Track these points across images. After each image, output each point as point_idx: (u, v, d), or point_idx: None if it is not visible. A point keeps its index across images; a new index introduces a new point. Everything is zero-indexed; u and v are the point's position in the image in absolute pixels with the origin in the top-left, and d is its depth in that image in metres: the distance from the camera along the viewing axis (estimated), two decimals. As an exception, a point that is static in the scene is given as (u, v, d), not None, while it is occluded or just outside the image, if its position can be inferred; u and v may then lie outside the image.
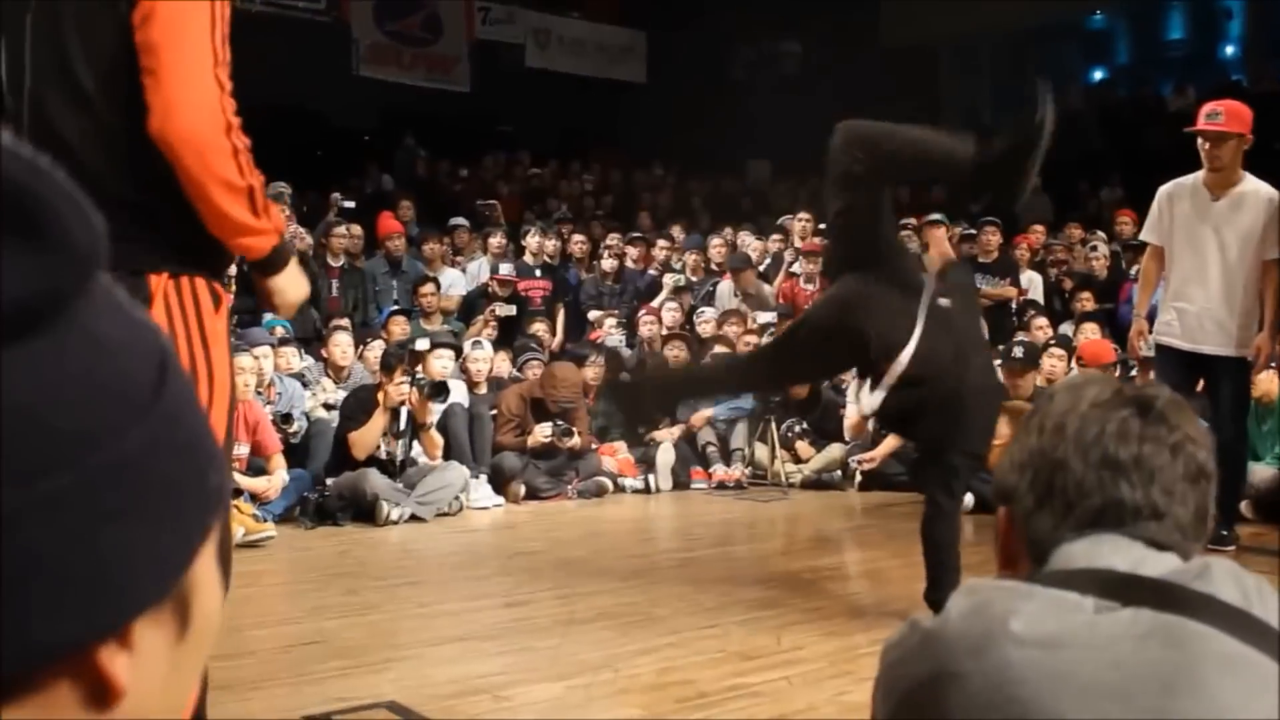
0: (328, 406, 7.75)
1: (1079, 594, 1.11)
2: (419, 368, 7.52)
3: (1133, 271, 10.29)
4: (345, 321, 8.94)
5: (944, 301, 4.45)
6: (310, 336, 9.02)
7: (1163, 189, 5.89)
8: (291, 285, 2.27)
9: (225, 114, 2.08)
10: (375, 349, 8.38)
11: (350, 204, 11.73)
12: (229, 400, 2.18)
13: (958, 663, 1.11)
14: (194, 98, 2.05)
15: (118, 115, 2.07)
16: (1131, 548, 1.16)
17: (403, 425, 7.17)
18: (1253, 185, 5.60)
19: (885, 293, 4.44)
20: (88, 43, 2.08)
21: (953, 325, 4.42)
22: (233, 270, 2.58)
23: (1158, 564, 1.15)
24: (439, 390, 7.30)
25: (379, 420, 7.01)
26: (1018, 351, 7.52)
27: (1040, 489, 1.21)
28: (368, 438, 6.99)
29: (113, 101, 2.08)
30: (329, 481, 6.96)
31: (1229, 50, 19.98)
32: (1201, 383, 5.91)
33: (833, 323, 4.57)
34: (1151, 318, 6.02)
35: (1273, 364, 6.99)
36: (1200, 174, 5.68)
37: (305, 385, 7.80)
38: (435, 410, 7.39)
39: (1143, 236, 6.17)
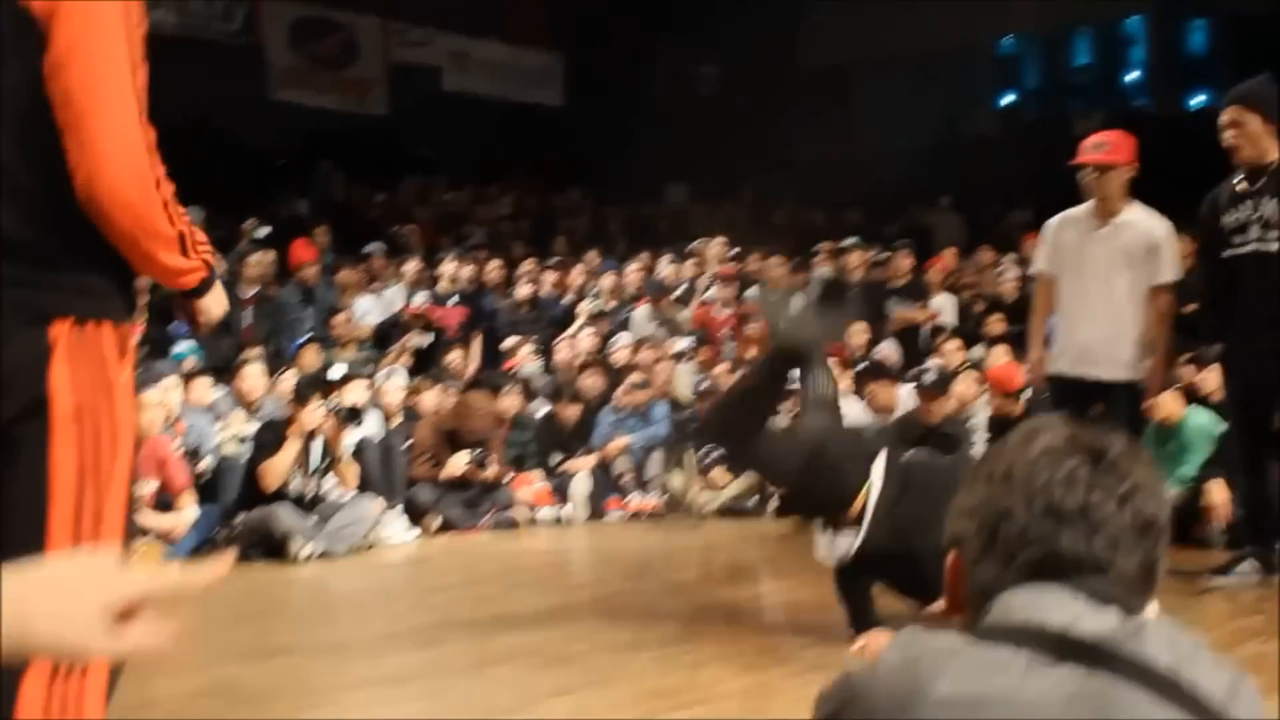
0: (239, 440, 7.64)
1: (1013, 649, 1.10)
2: (334, 395, 7.45)
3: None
4: (257, 352, 8.82)
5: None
6: (222, 366, 8.88)
7: (1051, 220, 6.03)
8: (216, 304, 2.29)
9: (151, 167, 2.03)
10: (288, 379, 8.29)
11: (264, 232, 11.58)
12: (131, 451, 2.14)
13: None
14: (122, 155, 1.98)
15: (19, 157, 2.00)
16: (1072, 602, 1.14)
17: (316, 458, 7.09)
18: (1138, 213, 5.72)
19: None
20: None
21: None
22: (143, 299, 2.52)
23: (1095, 621, 1.13)
24: (353, 415, 7.23)
25: (291, 448, 6.92)
26: (929, 377, 7.63)
27: (985, 536, 1.20)
28: (279, 465, 6.89)
29: (13, 144, 1.99)
30: (239, 518, 6.86)
31: (1133, 75, 20.48)
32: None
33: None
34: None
35: (1175, 385, 7.17)
36: (1088, 203, 5.80)
37: (217, 418, 7.69)
38: (348, 438, 7.32)
39: (1034, 268, 6.29)
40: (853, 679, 1.20)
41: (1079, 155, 5.76)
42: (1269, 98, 5.22)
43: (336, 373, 7.80)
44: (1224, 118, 5.27)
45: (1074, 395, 5.76)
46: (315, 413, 6.95)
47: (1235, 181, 5.36)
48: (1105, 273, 5.68)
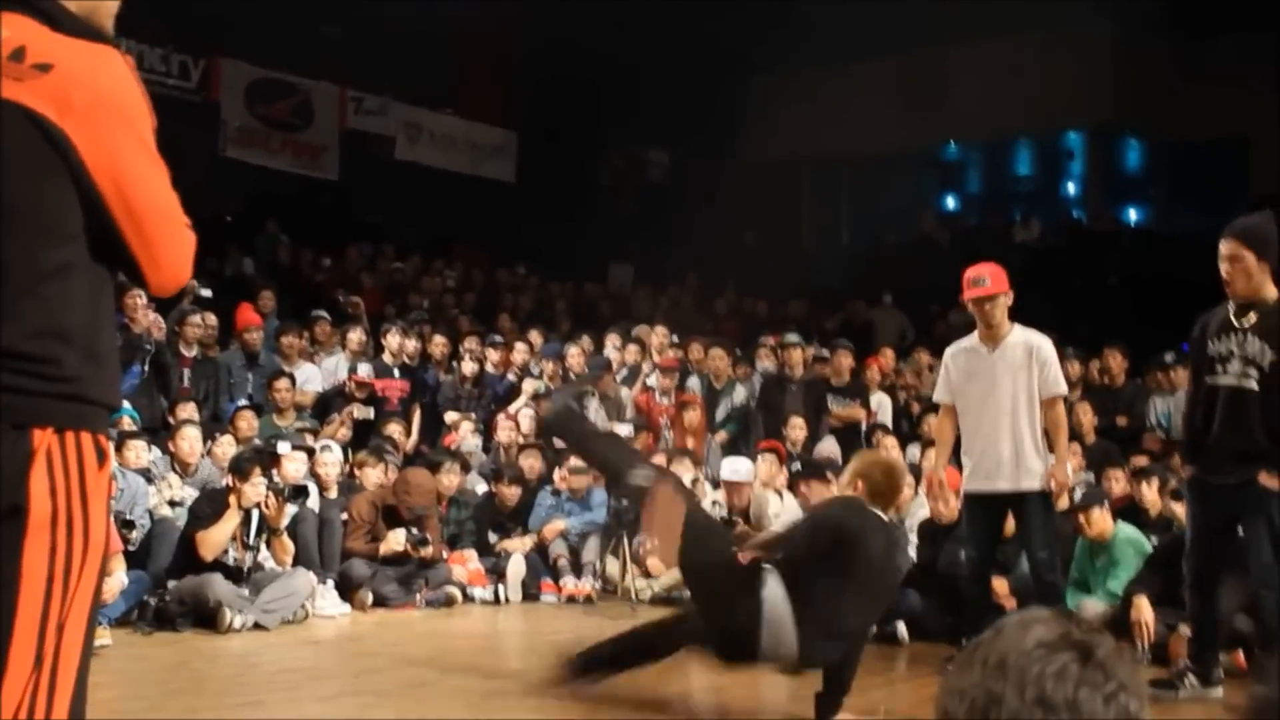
0: (173, 504, 7.55)
1: None
2: (275, 470, 7.40)
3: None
4: (193, 413, 8.73)
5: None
6: (158, 427, 8.79)
7: (946, 351, 6.57)
8: None
9: (192, 245, 2.21)
10: (224, 444, 8.23)
11: (207, 292, 11.48)
12: (101, 556, 2.14)
13: None
14: (185, 261, 2.20)
15: (17, 269, 2.01)
16: None
17: (254, 530, 7.04)
18: (1021, 334, 6.22)
19: None
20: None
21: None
22: None
23: None
24: (299, 493, 7.20)
25: (231, 520, 6.86)
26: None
27: (975, 718, 1.25)
28: (217, 537, 6.83)
29: (15, 250, 2.02)
30: (170, 585, 6.77)
31: (1071, 188, 21.03)
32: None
33: None
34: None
35: (1104, 502, 7.33)
36: (975, 332, 6.30)
37: (150, 480, 7.59)
38: (288, 514, 7.28)
39: (935, 398, 6.75)
40: None
41: (965, 292, 6.20)
42: (1267, 238, 5.34)
43: (284, 447, 7.75)
44: (1223, 249, 5.40)
45: (988, 509, 6.26)
46: (257, 488, 6.90)
47: (1228, 310, 5.49)
48: (1000, 392, 6.14)
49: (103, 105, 2.05)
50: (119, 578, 6.39)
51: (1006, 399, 6.11)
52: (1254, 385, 5.36)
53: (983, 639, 1.32)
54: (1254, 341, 5.38)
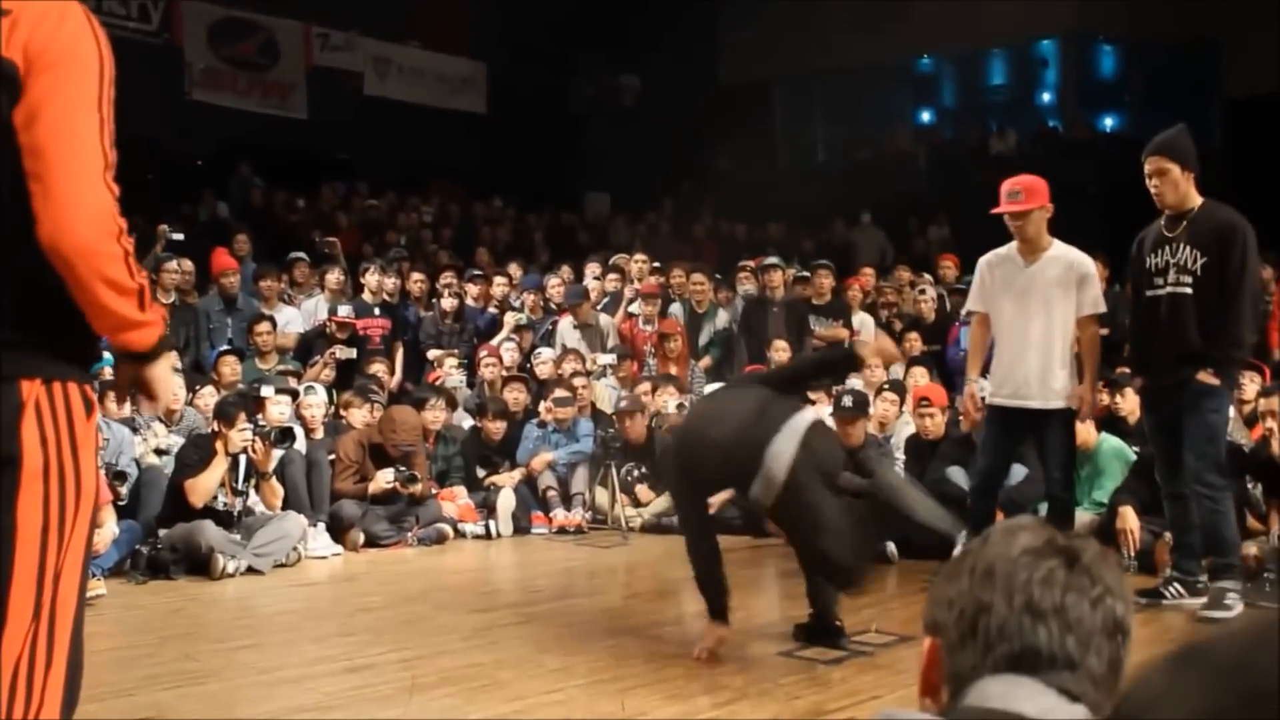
0: (159, 452, 7.54)
1: None
2: (260, 414, 7.39)
3: (963, 314, 10.72)
4: (175, 361, 8.70)
5: None
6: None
7: (982, 259, 6.37)
8: (166, 378, 2.27)
9: (115, 220, 2.05)
10: (208, 391, 8.21)
11: (179, 236, 11.38)
12: (93, 506, 2.15)
13: None
14: (87, 207, 2.01)
15: None
16: (1045, 694, 1.21)
17: (243, 475, 7.04)
18: (1061, 250, 6.07)
19: None
20: None
21: None
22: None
23: (1067, 715, 1.20)
24: (285, 436, 7.19)
25: (219, 466, 6.86)
26: (847, 400, 7.72)
27: (965, 626, 1.27)
28: (206, 484, 6.84)
29: None
30: (161, 533, 6.78)
31: (1046, 97, 20.93)
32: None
33: None
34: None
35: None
36: (1013, 243, 6.14)
37: (135, 430, 7.57)
38: (275, 457, 7.28)
39: (968, 306, 6.62)
40: None
41: (998, 205, 6.08)
42: (1187, 148, 5.60)
43: (268, 390, 7.73)
44: (1148, 167, 5.62)
45: (1010, 424, 6.14)
46: (243, 433, 6.89)
47: (1161, 224, 5.69)
48: (1035, 307, 6.02)
49: (52, 53, 2.02)
50: (110, 528, 6.40)
51: (1040, 314, 5.99)
52: (1188, 290, 5.55)
53: (969, 548, 1.34)
54: (1185, 249, 5.55)
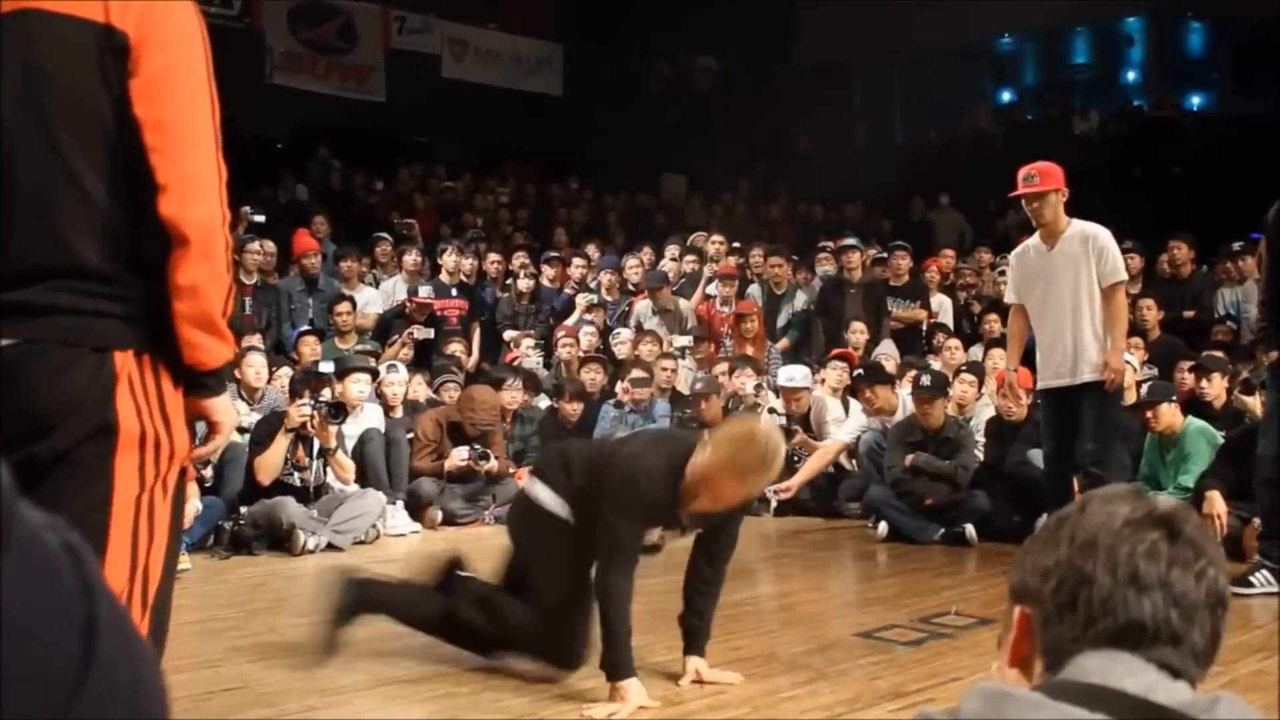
0: (242, 430, 7.65)
1: (1089, 711, 1.14)
2: (325, 390, 7.45)
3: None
4: (258, 341, 8.84)
5: None
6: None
7: (1012, 253, 6.68)
8: (228, 407, 2.24)
9: (224, 204, 2.08)
10: (286, 374, 8.32)
11: (260, 218, 11.56)
12: (181, 479, 2.18)
13: None
14: (206, 184, 2.04)
15: (100, 187, 2.02)
16: (1146, 670, 1.19)
17: (315, 450, 7.12)
18: (1078, 227, 6.25)
19: None
20: (72, 108, 2.01)
21: None
22: None
23: (1170, 693, 1.17)
24: (336, 411, 7.20)
25: (280, 444, 6.95)
26: (925, 380, 7.66)
27: (1063, 598, 1.24)
28: (270, 460, 6.93)
29: (96, 172, 2.02)
30: (243, 509, 6.89)
31: (1131, 75, 20.52)
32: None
33: None
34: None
35: (1173, 397, 7.24)
36: (1039, 231, 6.34)
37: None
38: (346, 431, 7.33)
39: (1005, 299, 6.75)
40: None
41: (1015, 189, 6.26)
42: None
43: (326, 367, 7.81)
44: None
45: (1061, 405, 6.32)
46: (301, 409, 6.97)
47: None
48: (1059, 288, 6.21)
49: (166, 31, 2.04)
50: (194, 504, 6.50)
51: (1066, 294, 6.18)
52: None
53: (1065, 515, 1.31)
54: None
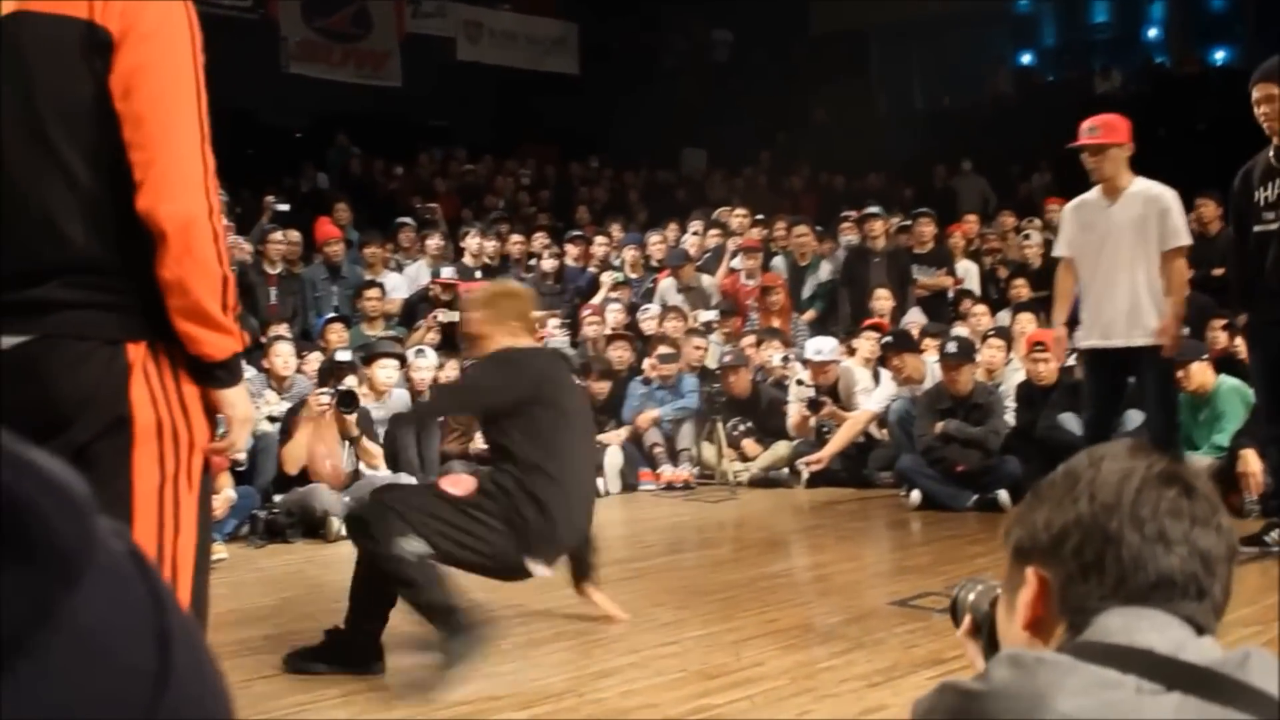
0: (272, 419, 7.68)
1: (1120, 672, 1.13)
2: (346, 379, 7.45)
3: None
4: (285, 330, 8.87)
5: None
6: (251, 346, 8.92)
7: (1067, 205, 6.36)
8: (243, 399, 2.19)
9: (210, 196, 2.05)
10: (314, 360, 8.34)
11: (285, 207, 11.61)
12: (202, 464, 2.17)
13: None
14: (184, 178, 2.01)
15: (94, 183, 2.02)
16: (1170, 625, 1.19)
17: (343, 436, 7.14)
18: (1143, 185, 5.98)
19: None
20: (62, 106, 2.02)
21: None
22: None
23: (1199, 649, 1.17)
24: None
25: (303, 434, 6.97)
26: (951, 347, 7.61)
27: (1088, 557, 1.23)
28: (294, 451, 6.96)
29: (89, 168, 2.02)
30: (277, 498, 6.92)
31: (1152, 33, 20.30)
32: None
33: None
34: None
35: (1204, 356, 7.19)
36: (1099, 185, 6.07)
37: (250, 398, 7.70)
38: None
39: (1055, 252, 6.53)
40: (961, 691, 1.21)
41: (1076, 140, 6.00)
42: None
43: (344, 355, 7.81)
44: (1256, 94, 5.40)
45: (1106, 366, 6.06)
46: (319, 399, 6.98)
47: (1271, 155, 5.42)
48: (1116, 245, 5.94)
49: (146, 22, 2.02)
50: (227, 494, 6.54)
51: (1124, 252, 5.92)
52: None
53: (1074, 472, 1.29)
54: None
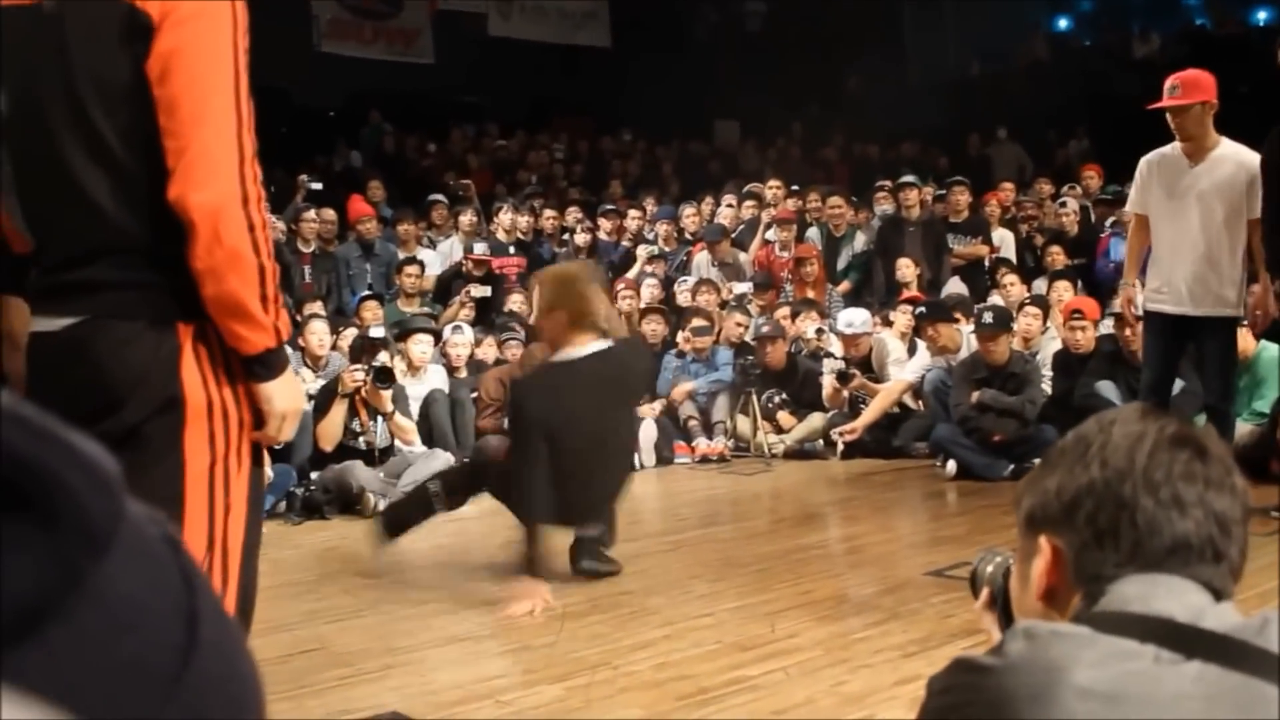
0: (309, 397, 7.73)
1: (1138, 641, 1.12)
2: (379, 355, 7.48)
3: (1107, 225, 10.36)
4: (320, 308, 8.91)
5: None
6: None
7: (1143, 159, 5.99)
8: (282, 393, 2.12)
9: (245, 184, 2.00)
10: (349, 337, 8.38)
11: (318, 185, 11.65)
12: (250, 443, 2.18)
13: (1018, 710, 1.11)
14: (215, 166, 1.97)
15: (138, 164, 2.01)
16: (1188, 591, 1.18)
17: (377, 412, 7.18)
18: (1230, 149, 5.70)
19: None
20: (103, 88, 2.00)
21: None
22: None
23: (1218, 616, 1.16)
24: (382, 375, 7.19)
25: (338, 410, 7.02)
26: (987, 317, 7.55)
27: (1103, 524, 1.22)
28: (329, 428, 7.02)
29: (132, 150, 2.01)
30: (313, 475, 6.97)
31: (1192, -7, 20.00)
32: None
33: None
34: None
35: (1243, 322, 7.09)
36: (1178, 143, 5.78)
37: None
38: (386, 396, 7.35)
39: (1128, 208, 6.31)
40: (977, 666, 1.20)
41: (1159, 101, 5.73)
42: None
43: (377, 332, 7.84)
44: None
45: (1171, 331, 5.83)
46: (354, 374, 7.01)
47: None
48: (1199, 209, 5.68)
49: (186, 6, 2.01)
50: (265, 472, 6.56)
51: (1208, 216, 5.66)
52: None
53: (1084, 438, 1.27)
54: None
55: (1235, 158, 5.67)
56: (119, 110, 2.01)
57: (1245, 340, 6.94)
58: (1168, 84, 5.72)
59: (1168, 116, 5.72)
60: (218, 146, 1.99)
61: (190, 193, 1.97)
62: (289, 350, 7.87)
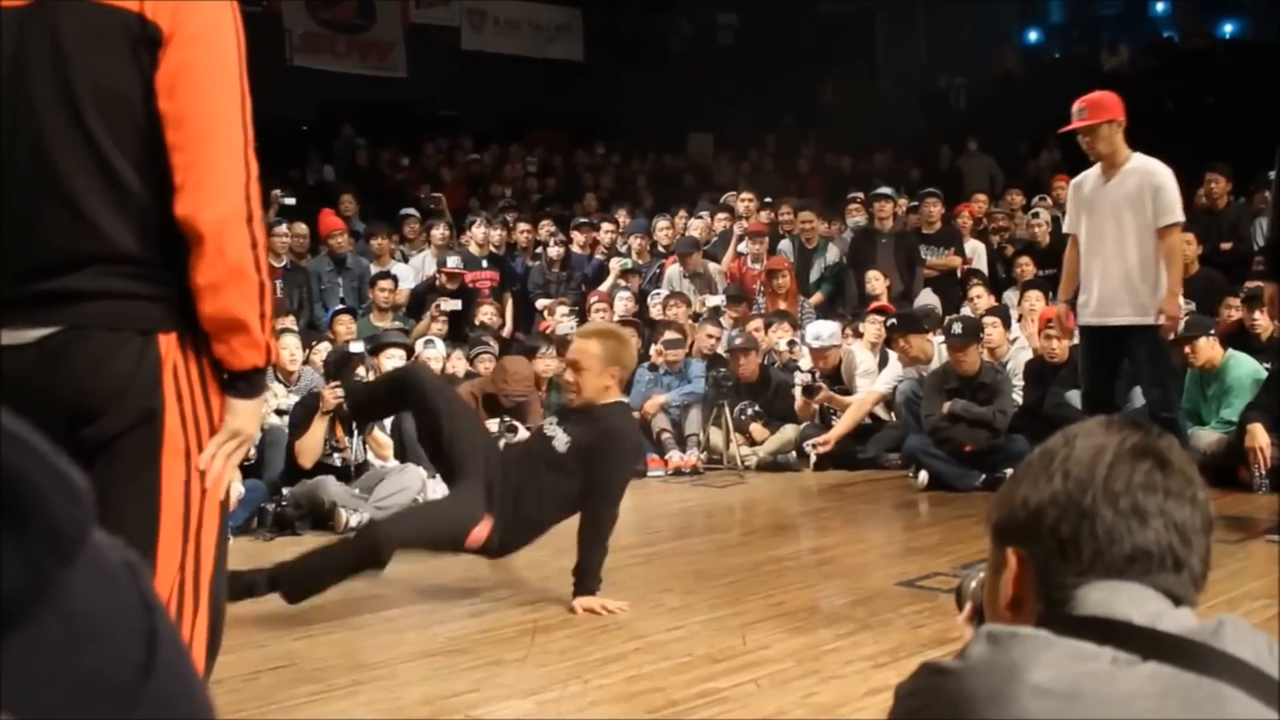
0: (279, 413, 7.69)
1: (1096, 644, 1.14)
2: (357, 370, 7.46)
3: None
4: (291, 323, 8.87)
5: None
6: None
7: (1072, 181, 6.36)
8: (247, 415, 2.15)
9: (250, 202, 2.03)
10: (322, 351, 8.35)
11: (291, 201, 11.60)
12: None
13: (977, 710, 1.13)
14: (224, 184, 1.99)
15: (131, 173, 2.01)
16: (1148, 598, 1.19)
17: (355, 428, 7.15)
18: (1139, 162, 5.97)
19: None
20: (102, 96, 2.00)
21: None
22: None
23: (1175, 620, 1.18)
24: None
25: (318, 427, 6.98)
26: (956, 327, 7.61)
27: (1064, 534, 1.23)
28: (309, 444, 6.97)
29: (127, 159, 2.01)
30: (285, 491, 6.93)
31: (1160, 6, 20.17)
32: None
33: None
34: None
35: (1211, 331, 7.15)
36: (1098, 162, 6.06)
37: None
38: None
39: (1065, 229, 6.53)
40: (940, 670, 1.21)
41: (1067, 125, 6.03)
42: None
43: (356, 347, 7.82)
44: None
45: (1101, 342, 6.08)
46: (335, 391, 6.99)
47: None
48: (1114, 222, 5.95)
49: (196, 22, 2.01)
50: (236, 488, 6.54)
51: (1116, 229, 5.92)
52: None
53: (1049, 451, 1.29)
54: None
55: (1141, 169, 5.93)
56: (116, 119, 2.01)
57: (1213, 349, 7.01)
58: (1075, 107, 5.97)
59: (1079, 138, 6.00)
60: (225, 164, 2.01)
61: (201, 210, 1.99)
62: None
